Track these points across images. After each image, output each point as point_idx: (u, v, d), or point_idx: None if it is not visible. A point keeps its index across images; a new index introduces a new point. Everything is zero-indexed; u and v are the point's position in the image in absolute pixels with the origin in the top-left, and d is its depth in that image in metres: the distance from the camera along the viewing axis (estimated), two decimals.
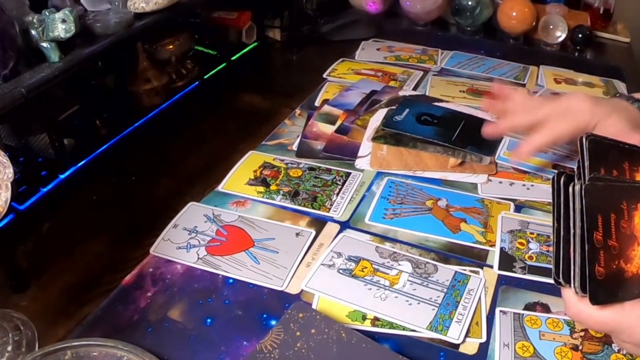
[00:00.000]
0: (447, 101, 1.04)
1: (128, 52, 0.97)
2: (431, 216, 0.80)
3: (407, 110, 0.97)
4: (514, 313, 0.65)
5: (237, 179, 0.86)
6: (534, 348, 0.61)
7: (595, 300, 0.49)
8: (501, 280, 0.70)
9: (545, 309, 0.66)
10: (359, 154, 0.91)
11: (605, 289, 0.49)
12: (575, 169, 0.53)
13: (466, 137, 0.90)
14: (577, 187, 0.50)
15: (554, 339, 0.62)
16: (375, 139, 0.93)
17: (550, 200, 0.55)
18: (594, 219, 0.48)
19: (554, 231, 0.53)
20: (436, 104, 1.02)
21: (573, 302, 0.52)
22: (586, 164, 0.51)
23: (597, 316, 0.50)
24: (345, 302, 0.66)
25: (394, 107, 0.99)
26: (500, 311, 0.65)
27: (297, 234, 0.76)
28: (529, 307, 0.66)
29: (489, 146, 0.91)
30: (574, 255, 0.50)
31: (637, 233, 0.50)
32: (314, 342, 0.59)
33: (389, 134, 0.93)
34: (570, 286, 0.50)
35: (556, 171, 0.55)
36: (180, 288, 0.69)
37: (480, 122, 0.93)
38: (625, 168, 0.52)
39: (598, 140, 0.52)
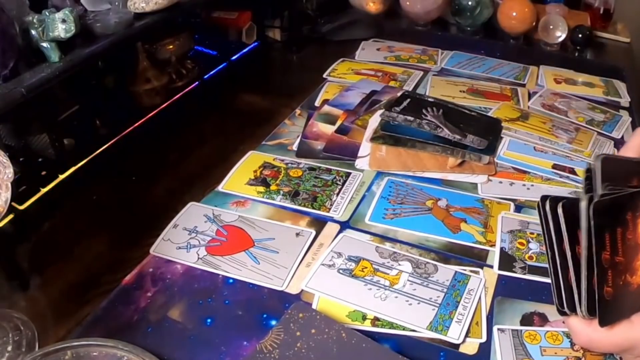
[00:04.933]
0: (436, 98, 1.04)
1: (128, 52, 0.97)
2: (431, 216, 0.80)
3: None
4: (512, 330, 0.64)
5: (237, 179, 0.86)
6: None
7: (605, 321, 0.47)
8: (501, 280, 0.70)
9: (543, 318, 0.65)
10: (359, 154, 0.91)
11: (613, 308, 0.47)
12: (583, 186, 0.50)
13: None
14: (584, 204, 0.46)
15: (555, 353, 0.61)
16: (373, 139, 0.93)
17: None
18: (602, 238, 0.47)
19: (548, 260, 0.51)
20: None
21: (581, 329, 0.49)
22: (598, 180, 0.48)
23: (610, 337, 0.48)
24: (345, 302, 0.66)
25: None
26: (498, 329, 0.64)
27: (297, 234, 0.76)
28: (526, 318, 0.65)
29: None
30: (581, 278, 0.47)
31: None
32: (314, 342, 0.59)
33: (388, 135, 0.93)
34: (576, 313, 0.49)
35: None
36: (180, 288, 0.69)
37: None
38: (634, 185, 0.50)
39: (612, 158, 0.49)
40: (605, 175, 0.48)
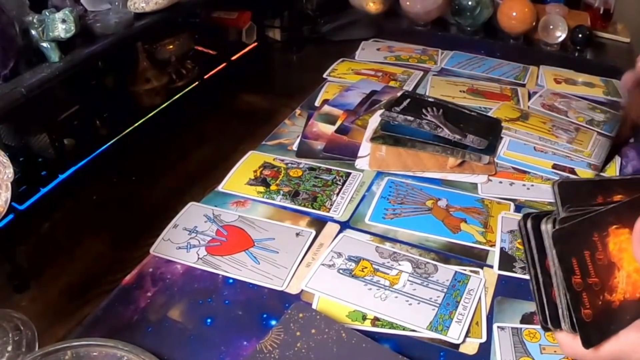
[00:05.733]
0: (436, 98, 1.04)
1: (128, 52, 0.97)
2: (431, 216, 0.80)
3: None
4: (512, 328, 0.64)
5: (237, 179, 0.86)
6: None
7: (589, 343, 0.47)
8: (501, 280, 0.70)
9: None
10: (359, 154, 0.91)
11: (596, 329, 0.47)
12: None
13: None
14: (549, 227, 0.48)
15: (555, 351, 0.61)
16: (374, 139, 0.93)
17: (551, 201, 0.53)
18: (569, 264, 0.47)
19: (531, 278, 0.51)
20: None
21: (568, 343, 0.50)
22: (558, 204, 0.49)
23: (594, 352, 0.48)
24: (345, 302, 0.66)
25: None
26: (498, 327, 0.64)
27: (297, 234, 0.76)
28: (526, 317, 0.65)
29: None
30: (560, 297, 0.48)
31: (615, 259, 0.48)
32: (314, 342, 0.59)
33: (388, 135, 0.93)
34: (560, 329, 0.49)
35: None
36: (180, 288, 0.69)
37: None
38: (599, 202, 0.50)
39: (568, 182, 0.50)
40: (565, 200, 0.49)
